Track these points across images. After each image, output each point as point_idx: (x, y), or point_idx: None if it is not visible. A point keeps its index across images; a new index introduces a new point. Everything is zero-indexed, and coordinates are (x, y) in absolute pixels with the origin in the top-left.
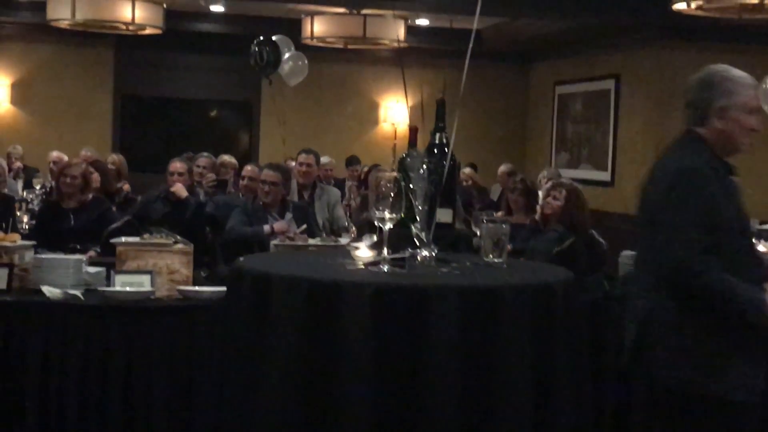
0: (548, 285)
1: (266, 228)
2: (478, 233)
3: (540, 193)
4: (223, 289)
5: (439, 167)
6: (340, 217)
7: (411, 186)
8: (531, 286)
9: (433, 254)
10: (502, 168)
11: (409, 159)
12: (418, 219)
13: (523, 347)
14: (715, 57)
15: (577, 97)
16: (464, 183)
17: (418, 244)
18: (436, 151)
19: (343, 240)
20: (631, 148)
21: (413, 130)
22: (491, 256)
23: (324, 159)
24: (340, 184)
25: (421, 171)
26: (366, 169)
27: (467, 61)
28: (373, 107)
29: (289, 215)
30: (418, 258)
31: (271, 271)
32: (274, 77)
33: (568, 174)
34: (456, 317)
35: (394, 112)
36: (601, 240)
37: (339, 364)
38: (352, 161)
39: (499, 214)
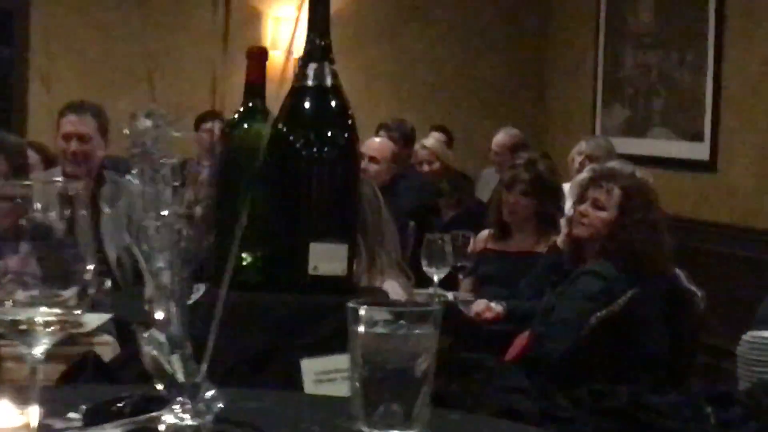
0: None
1: None
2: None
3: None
4: None
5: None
6: None
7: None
8: None
9: None
10: (502, 137)
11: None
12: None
13: None
14: None
15: None
16: (425, 167)
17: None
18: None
19: None
20: (750, 98)
21: (256, 56)
22: None
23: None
24: None
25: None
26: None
27: None
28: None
29: (25, 246)
30: None
31: None
32: None
33: (629, 147)
34: None
35: None
36: (691, 288)
37: None
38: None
39: (485, 235)
